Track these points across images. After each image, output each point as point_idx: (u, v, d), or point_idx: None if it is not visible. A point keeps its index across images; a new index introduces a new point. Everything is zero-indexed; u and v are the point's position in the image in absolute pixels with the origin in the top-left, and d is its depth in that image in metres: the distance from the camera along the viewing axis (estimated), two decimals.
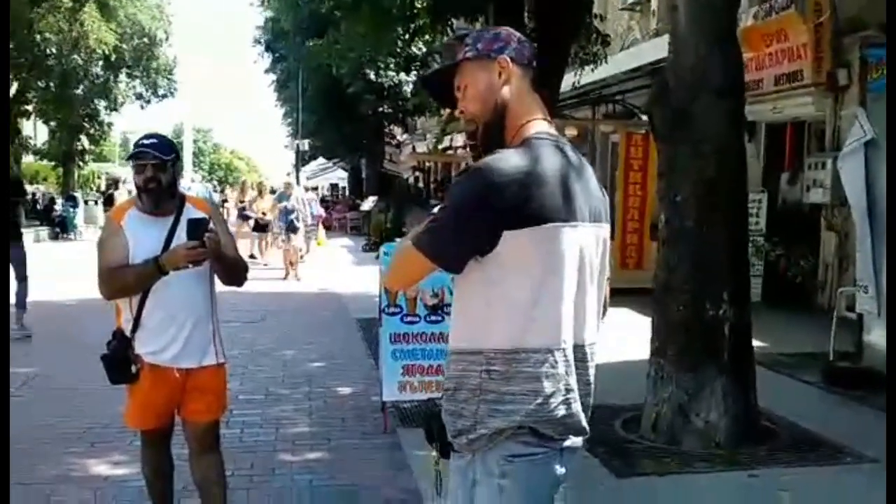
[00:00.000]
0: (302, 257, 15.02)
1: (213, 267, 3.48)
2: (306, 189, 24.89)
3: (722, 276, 5.15)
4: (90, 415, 5.83)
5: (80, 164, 37.36)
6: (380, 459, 5.06)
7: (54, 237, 24.91)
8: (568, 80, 10.82)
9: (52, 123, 34.05)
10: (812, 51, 9.97)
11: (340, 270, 15.97)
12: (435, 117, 21.98)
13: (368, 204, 25.61)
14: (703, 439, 5.00)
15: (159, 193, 3.40)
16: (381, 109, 27.11)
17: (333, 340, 8.91)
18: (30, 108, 31.13)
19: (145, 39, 33.68)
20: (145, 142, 3.42)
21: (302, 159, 38.06)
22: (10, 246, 8.51)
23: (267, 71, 36.81)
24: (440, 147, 24.30)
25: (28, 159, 34.64)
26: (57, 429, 5.63)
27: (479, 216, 1.99)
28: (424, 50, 17.49)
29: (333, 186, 45.83)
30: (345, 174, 42.55)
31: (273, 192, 19.18)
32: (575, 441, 2.14)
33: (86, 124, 33.94)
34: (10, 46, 25.64)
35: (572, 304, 2.07)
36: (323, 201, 33.32)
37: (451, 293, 5.49)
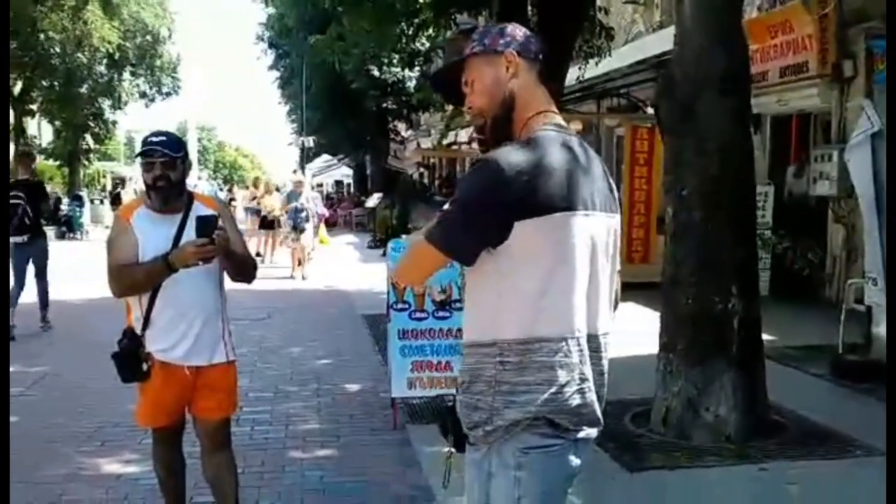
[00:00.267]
0: (309, 254, 14.91)
1: (222, 264, 3.48)
2: (312, 187, 24.84)
3: (730, 269, 5.14)
4: (101, 413, 5.85)
5: (86, 163, 37.47)
6: (389, 456, 5.07)
7: (60, 236, 24.93)
8: (572, 74, 10.80)
9: (57, 123, 34.13)
10: (817, 42, 9.93)
11: (346, 267, 15.99)
12: (439, 113, 21.96)
13: (373, 200, 25.60)
14: (713, 433, 4.99)
15: (168, 191, 3.40)
16: (385, 105, 27.14)
17: (341, 337, 8.92)
18: (34, 107, 31.18)
19: (149, 37, 33.74)
20: (154, 139, 3.42)
21: (306, 156, 38.08)
22: (30, 243, 8.88)
23: (270, 68, 36.85)
24: (444, 143, 24.30)
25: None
26: (68, 427, 5.65)
27: (489, 208, 2.01)
28: (428, 45, 17.43)
29: (338, 183, 45.83)
30: (349, 171, 42.57)
31: (278, 189, 19.18)
32: (590, 432, 2.15)
33: (90, 123, 34.04)
34: (14, 45, 25.73)
35: (584, 294, 2.09)
36: (328, 198, 33.37)
37: (459, 289, 5.52)
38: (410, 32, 12.95)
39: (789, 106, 10.87)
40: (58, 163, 36.06)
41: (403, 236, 7.48)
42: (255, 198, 18.26)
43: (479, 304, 2.14)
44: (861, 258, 8.29)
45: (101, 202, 31.07)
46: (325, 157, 42.74)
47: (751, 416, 5.07)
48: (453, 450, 2.28)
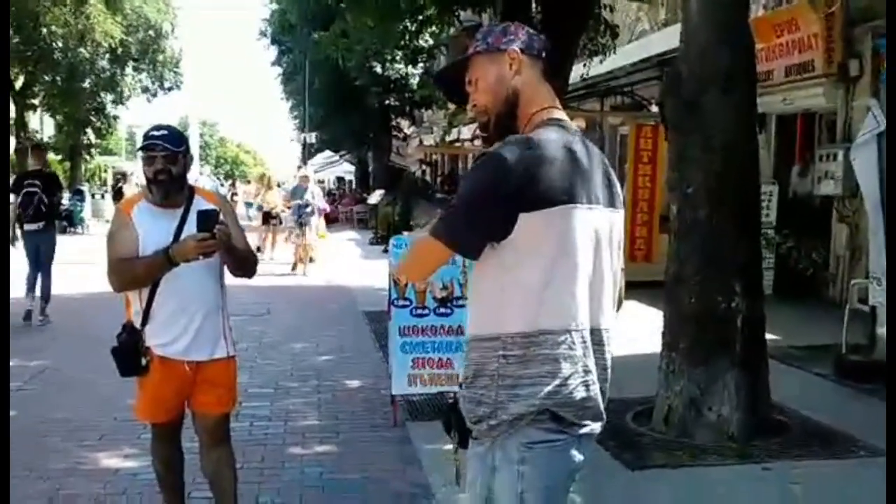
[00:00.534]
0: (312, 259, 14.72)
1: (223, 259, 3.45)
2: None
3: (734, 268, 5.11)
4: (100, 408, 5.82)
5: (87, 157, 37.47)
6: (389, 453, 5.04)
7: (62, 231, 24.77)
8: (576, 72, 10.77)
9: (59, 117, 34.13)
10: (823, 41, 9.88)
11: (348, 264, 15.95)
12: (442, 110, 21.93)
13: (375, 197, 25.55)
14: (716, 433, 4.96)
15: (169, 185, 3.38)
16: (387, 102, 27.10)
17: (342, 334, 8.89)
18: (36, 101, 31.17)
19: (151, 32, 33.75)
20: (156, 133, 3.39)
21: (308, 152, 38.05)
22: (44, 231, 9.26)
23: (273, 63, 36.83)
24: (447, 140, 24.26)
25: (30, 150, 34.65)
26: (66, 421, 5.62)
27: (492, 201, 2.03)
28: (431, 42, 17.41)
29: (340, 180, 45.81)
30: (351, 167, 42.54)
31: (279, 185, 19.14)
32: (593, 427, 2.16)
33: (92, 118, 34.04)
34: (17, 40, 25.73)
35: (587, 286, 2.10)
36: (329, 194, 33.31)
37: (461, 286, 5.49)
38: (414, 29, 12.94)
39: (794, 105, 10.83)
40: (59, 157, 36.04)
41: (405, 233, 7.46)
42: (257, 193, 18.22)
43: (483, 299, 2.15)
44: (865, 258, 8.27)
45: (102, 197, 31.06)
46: (327, 153, 42.72)
47: (754, 415, 5.04)
48: (458, 447, 2.28)
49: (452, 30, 11.79)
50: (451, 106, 14.43)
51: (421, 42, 16.30)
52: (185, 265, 3.28)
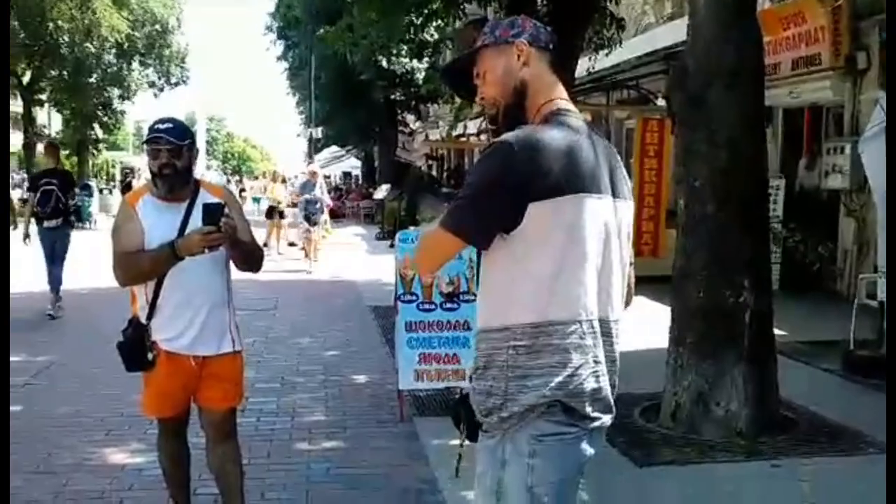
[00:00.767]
0: (315, 256, 14.57)
1: (228, 253, 3.44)
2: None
3: (741, 262, 5.08)
4: (106, 403, 5.82)
5: (94, 152, 37.54)
6: (396, 448, 5.03)
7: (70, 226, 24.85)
8: (582, 66, 10.72)
9: (66, 112, 34.19)
10: (830, 34, 9.84)
11: (354, 259, 15.94)
12: (448, 105, 21.89)
13: (382, 192, 25.54)
14: (724, 428, 4.94)
15: (174, 178, 3.36)
16: (393, 97, 27.04)
17: (348, 328, 8.89)
18: (44, 96, 31.23)
19: (157, 27, 33.80)
20: (160, 126, 3.37)
21: (315, 147, 38.03)
22: (61, 227, 9.61)
23: (279, 58, 36.80)
24: (453, 134, 24.21)
25: (42, 148, 34.76)
26: (73, 417, 5.63)
27: (501, 190, 2.02)
28: (437, 36, 17.35)
29: (346, 175, 45.80)
30: (357, 162, 42.52)
31: (284, 180, 19.13)
32: (604, 420, 2.15)
33: (99, 113, 34.10)
34: (23, 35, 25.75)
35: (596, 276, 2.09)
36: (336, 189, 33.32)
37: (467, 280, 5.47)
38: (419, 23, 12.87)
39: (801, 98, 10.79)
40: (66, 152, 36.11)
41: (412, 227, 7.44)
42: (265, 189, 18.21)
43: (492, 290, 2.15)
44: (873, 252, 8.23)
45: (110, 192, 31.13)
46: (333, 148, 42.70)
47: (762, 411, 5.02)
48: (466, 440, 2.27)
49: (458, 23, 11.71)
50: (458, 100, 14.41)
51: (426, 36, 16.22)
52: (190, 259, 3.27)
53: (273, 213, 17.05)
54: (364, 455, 4.91)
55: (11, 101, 38.10)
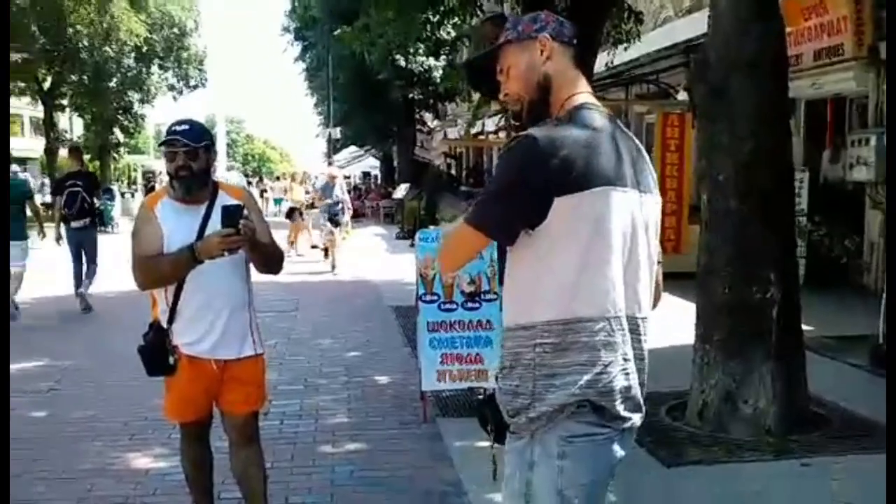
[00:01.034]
0: (337, 261, 14.58)
1: (248, 255, 3.42)
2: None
3: (768, 257, 4.99)
4: (129, 407, 5.82)
5: (116, 156, 37.80)
6: (420, 450, 5.00)
7: None
8: (600, 60, 10.63)
9: (87, 116, 34.44)
10: (853, 24, 9.68)
11: (374, 258, 15.93)
12: (466, 103, 21.85)
13: (401, 191, 25.53)
14: (752, 427, 4.86)
15: (191, 180, 3.34)
16: (411, 96, 27.03)
17: (370, 329, 8.86)
18: (65, 101, 31.46)
19: (175, 30, 33.96)
20: (178, 128, 3.36)
21: (334, 148, 38.13)
22: (88, 227, 10.02)
23: (297, 59, 36.93)
24: (472, 132, 24.16)
25: (65, 153, 35.03)
26: (96, 422, 5.63)
27: (526, 185, 2.00)
28: (453, 34, 17.32)
29: (365, 174, 45.86)
30: (376, 162, 42.55)
31: (303, 181, 19.18)
32: (634, 420, 2.11)
33: (119, 117, 34.32)
34: (43, 40, 25.96)
35: (622, 271, 2.05)
36: (355, 189, 33.36)
37: (488, 279, 5.42)
38: (436, 20, 12.85)
39: (824, 90, 10.64)
40: (88, 156, 36.38)
41: (431, 227, 7.39)
42: (287, 190, 18.26)
43: (517, 288, 2.12)
44: None
45: (132, 195, 31.33)
46: (352, 148, 42.78)
47: (791, 408, 4.93)
48: (495, 443, 2.24)
49: (475, 20, 11.66)
50: (476, 98, 14.32)
51: (443, 34, 16.21)
52: (209, 262, 3.25)
53: (294, 214, 17.08)
54: (388, 457, 4.88)
55: (33, 107, 38.53)
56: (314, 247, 17.06)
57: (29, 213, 9.98)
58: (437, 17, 12.59)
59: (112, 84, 32.04)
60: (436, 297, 5.47)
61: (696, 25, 10.29)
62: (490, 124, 22.30)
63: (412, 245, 9.91)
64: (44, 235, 10.12)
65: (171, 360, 3.39)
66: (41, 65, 27.42)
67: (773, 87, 5.07)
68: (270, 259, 3.54)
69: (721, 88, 5.02)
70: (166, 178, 3.64)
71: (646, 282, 2.14)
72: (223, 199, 3.41)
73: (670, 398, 5.40)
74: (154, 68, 34.95)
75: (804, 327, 5.33)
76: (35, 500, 4.32)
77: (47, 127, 30.50)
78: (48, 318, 9.62)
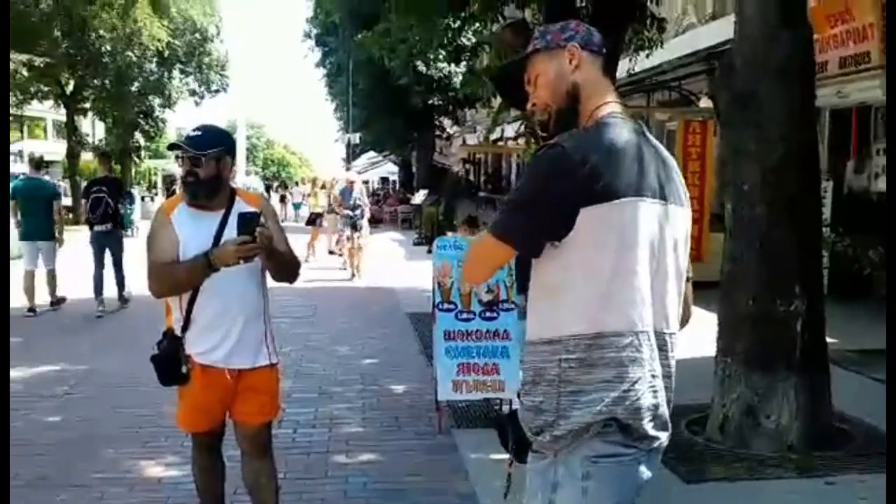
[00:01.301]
0: (358, 269, 14.44)
1: (264, 263, 3.36)
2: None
3: (792, 268, 4.89)
4: (143, 415, 5.77)
5: (137, 160, 37.99)
6: (435, 461, 4.92)
7: None
8: (622, 67, 10.54)
9: (109, 120, 34.64)
10: (879, 31, 9.54)
11: (392, 265, 15.87)
12: (485, 109, 21.80)
13: (420, 197, 25.49)
14: (775, 442, 4.76)
15: (196, 187, 3.30)
16: (430, 102, 27.00)
17: (386, 336, 8.80)
18: (87, 105, 31.67)
19: (197, 35, 34.10)
20: (192, 134, 3.35)
21: (353, 153, 38.18)
22: (111, 231, 10.24)
23: (317, 65, 37.02)
24: (491, 138, 24.09)
25: (87, 157, 35.31)
26: (111, 428, 5.59)
27: (553, 195, 1.96)
28: (474, 40, 17.26)
29: (384, 180, 45.89)
30: (395, 168, 42.56)
31: (323, 186, 19.14)
32: (661, 440, 2.04)
33: (141, 121, 34.50)
34: (66, 45, 26.15)
35: (649, 283, 1.99)
36: (374, 195, 33.38)
37: (507, 289, 5.35)
38: (456, 26, 12.78)
39: (849, 98, 10.49)
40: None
41: (449, 233, 7.33)
42: (308, 195, 18.24)
43: (542, 301, 2.07)
44: None
45: (152, 199, 31.49)
46: (371, 153, 42.81)
47: (815, 424, 4.82)
48: (514, 460, 2.17)
49: (496, 26, 11.60)
50: (495, 104, 14.26)
51: (464, 40, 16.12)
52: (225, 270, 3.20)
53: (315, 220, 17.06)
54: (402, 468, 4.81)
55: (55, 111, 38.80)
56: (332, 252, 17.04)
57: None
58: (458, 22, 12.53)
59: (134, 88, 32.21)
60: (453, 307, 5.41)
61: (719, 32, 10.20)
62: (509, 130, 22.25)
63: (430, 252, 9.86)
64: (61, 243, 10.26)
65: (184, 369, 3.34)
66: (64, 69, 27.59)
67: (802, 93, 4.98)
68: (287, 267, 3.48)
69: (748, 94, 4.93)
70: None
71: (674, 296, 2.07)
72: (240, 206, 3.36)
73: (690, 412, 5.30)
74: (176, 73, 35.11)
75: (828, 340, 5.22)
76: None
77: (69, 130, 30.68)
78: (65, 321, 9.64)
